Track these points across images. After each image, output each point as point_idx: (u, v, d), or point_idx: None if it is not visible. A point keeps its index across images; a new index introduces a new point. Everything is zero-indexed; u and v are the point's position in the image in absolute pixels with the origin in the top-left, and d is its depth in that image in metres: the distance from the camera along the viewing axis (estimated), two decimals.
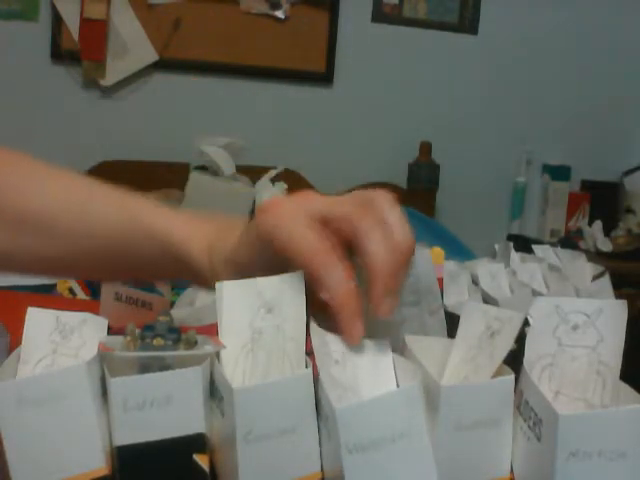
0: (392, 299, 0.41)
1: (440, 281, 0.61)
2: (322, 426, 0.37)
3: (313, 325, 0.41)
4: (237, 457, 0.36)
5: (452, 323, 0.52)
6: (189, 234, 0.50)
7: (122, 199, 0.54)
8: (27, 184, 0.56)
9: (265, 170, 1.92)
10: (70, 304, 0.98)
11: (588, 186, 2.48)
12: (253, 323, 0.41)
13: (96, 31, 2.02)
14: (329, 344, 0.41)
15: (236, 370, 0.40)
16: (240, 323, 0.41)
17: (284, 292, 0.41)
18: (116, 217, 0.53)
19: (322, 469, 0.38)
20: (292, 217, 0.42)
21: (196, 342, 0.40)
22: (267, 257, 0.43)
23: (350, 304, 0.41)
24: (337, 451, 0.34)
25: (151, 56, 2.10)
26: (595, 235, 2.27)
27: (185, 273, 0.51)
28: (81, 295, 1.05)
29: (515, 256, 1.00)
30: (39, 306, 0.44)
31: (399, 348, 0.45)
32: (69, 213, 0.54)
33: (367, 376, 0.41)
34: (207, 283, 0.48)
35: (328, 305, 0.41)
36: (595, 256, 2.10)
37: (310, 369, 0.37)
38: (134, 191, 0.55)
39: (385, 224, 0.41)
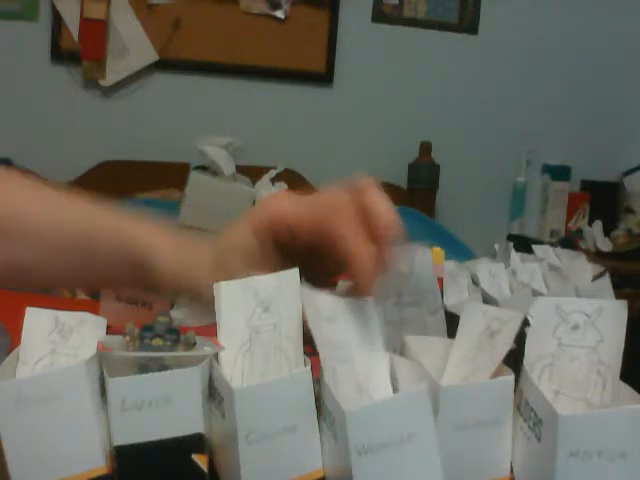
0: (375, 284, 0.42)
1: (440, 281, 0.61)
2: (323, 424, 0.37)
3: (303, 286, 0.42)
4: (238, 457, 0.36)
5: (452, 323, 0.52)
6: (154, 233, 0.51)
7: (93, 207, 0.55)
8: None
9: (265, 170, 1.92)
10: (70, 304, 0.98)
11: (588, 186, 2.48)
12: (250, 322, 0.41)
13: (96, 31, 2.02)
14: (319, 303, 0.42)
15: (235, 371, 0.40)
16: (238, 323, 0.41)
17: (280, 290, 0.41)
18: (84, 218, 0.54)
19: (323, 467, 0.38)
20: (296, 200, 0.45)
21: (195, 343, 0.40)
22: (258, 243, 0.45)
23: (369, 259, 0.41)
24: (345, 452, 0.34)
25: (151, 56, 2.10)
26: (595, 235, 2.27)
27: (143, 277, 0.50)
28: (81, 295, 1.05)
29: (515, 256, 1.00)
30: (39, 306, 0.44)
31: (399, 348, 0.45)
32: (41, 216, 0.55)
33: (357, 334, 0.42)
34: (167, 285, 0.49)
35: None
36: (595, 256, 2.10)
37: (309, 367, 0.37)
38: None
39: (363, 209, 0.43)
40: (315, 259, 0.46)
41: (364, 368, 0.41)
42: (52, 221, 0.54)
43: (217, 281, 0.44)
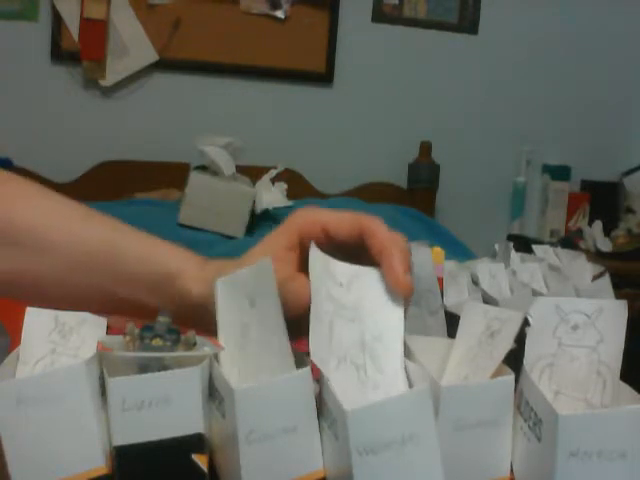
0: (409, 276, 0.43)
1: (440, 281, 0.61)
2: (324, 424, 0.37)
3: (314, 249, 0.42)
4: (239, 457, 0.35)
5: (452, 323, 0.52)
6: (184, 256, 0.51)
7: (115, 223, 0.55)
8: (18, 199, 0.55)
9: (265, 170, 1.92)
10: None
11: (588, 186, 2.48)
12: (242, 318, 0.41)
13: (96, 31, 2.02)
14: (334, 268, 0.42)
15: (232, 369, 0.40)
16: (232, 320, 0.41)
17: (258, 281, 0.41)
18: (108, 235, 0.53)
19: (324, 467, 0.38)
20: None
21: (195, 343, 0.40)
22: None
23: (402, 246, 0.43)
24: (346, 452, 0.34)
25: (151, 56, 2.10)
26: (595, 235, 2.27)
27: (170, 299, 0.50)
28: None
29: (515, 256, 1.00)
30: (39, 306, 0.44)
31: None
32: (62, 229, 0.54)
33: (372, 301, 0.42)
34: (193, 305, 0.49)
35: None
36: (595, 256, 2.10)
37: (309, 367, 0.37)
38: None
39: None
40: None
41: (374, 328, 0.42)
42: (73, 235, 0.53)
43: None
